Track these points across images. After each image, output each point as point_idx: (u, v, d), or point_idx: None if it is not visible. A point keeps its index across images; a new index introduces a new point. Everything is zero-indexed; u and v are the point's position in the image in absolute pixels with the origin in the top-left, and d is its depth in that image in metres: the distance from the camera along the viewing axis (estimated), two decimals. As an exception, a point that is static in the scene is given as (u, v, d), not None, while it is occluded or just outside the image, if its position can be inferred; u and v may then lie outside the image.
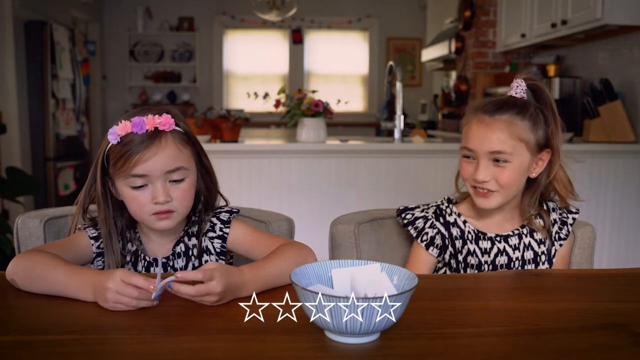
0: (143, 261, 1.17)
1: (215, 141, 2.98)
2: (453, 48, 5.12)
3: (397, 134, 3.20)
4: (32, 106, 4.66)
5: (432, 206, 1.33)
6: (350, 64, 7.31)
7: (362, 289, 0.85)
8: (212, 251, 1.19)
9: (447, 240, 1.27)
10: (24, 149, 4.58)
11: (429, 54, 5.90)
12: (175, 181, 1.08)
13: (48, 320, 0.87)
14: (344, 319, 0.74)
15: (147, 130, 1.04)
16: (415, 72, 7.38)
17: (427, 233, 1.28)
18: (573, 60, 4.05)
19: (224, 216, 1.20)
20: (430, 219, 1.29)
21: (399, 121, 3.19)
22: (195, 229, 1.20)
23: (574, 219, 1.31)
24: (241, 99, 7.07)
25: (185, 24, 7.00)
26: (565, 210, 1.31)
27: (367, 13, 7.19)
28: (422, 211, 1.31)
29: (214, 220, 1.20)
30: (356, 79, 7.36)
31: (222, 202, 1.25)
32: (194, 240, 1.19)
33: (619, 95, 3.30)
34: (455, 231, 1.28)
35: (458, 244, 1.27)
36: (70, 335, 0.80)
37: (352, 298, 0.73)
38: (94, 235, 1.15)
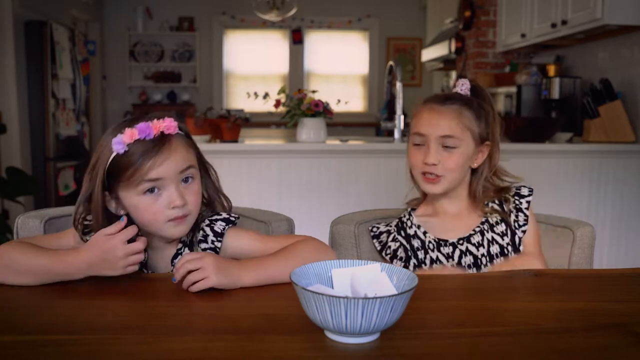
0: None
1: (215, 141, 2.98)
2: (453, 48, 5.12)
3: (397, 134, 3.20)
4: (32, 106, 4.66)
5: (395, 219, 1.39)
6: (350, 64, 7.30)
7: (362, 289, 0.85)
8: None
9: (409, 252, 1.32)
10: (24, 149, 4.58)
11: (429, 54, 5.90)
12: (185, 182, 1.07)
13: (48, 320, 0.87)
14: (344, 319, 0.74)
15: (154, 135, 1.02)
16: (415, 72, 7.37)
17: (389, 247, 1.34)
18: (573, 60, 4.05)
19: (219, 227, 1.13)
20: (393, 232, 1.36)
21: (399, 121, 3.19)
22: (190, 236, 1.14)
23: (528, 202, 1.34)
24: (241, 99, 7.06)
25: (185, 24, 7.00)
26: (516, 197, 1.34)
27: (367, 13, 7.19)
28: (387, 225, 1.38)
29: (207, 230, 1.13)
30: (356, 79, 7.36)
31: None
32: (186, 250, 1.13)
33: (619, 95, 3.30)
34: (416, 243, 1.33)
35: (420, 254, 1.32)
36: (70, 335, 0.80)
37: (352, 298, 0.73)
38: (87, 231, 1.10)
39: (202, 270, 0.96)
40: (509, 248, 1.30)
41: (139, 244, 1.01)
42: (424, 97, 1.35)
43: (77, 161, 5.25)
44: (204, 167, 1.16)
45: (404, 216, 1.38)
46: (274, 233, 1.36)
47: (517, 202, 1.34)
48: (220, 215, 1.15)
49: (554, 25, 3.62)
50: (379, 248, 1.36)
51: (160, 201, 1.04)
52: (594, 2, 3.15)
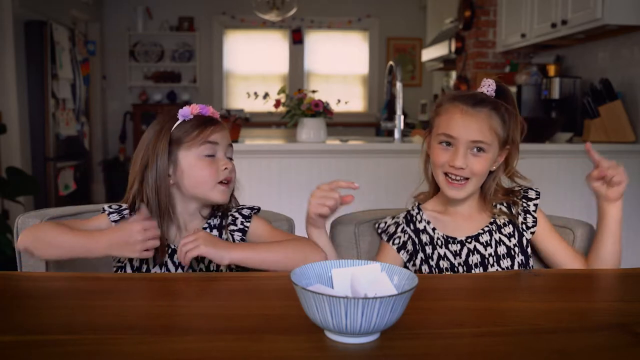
0: (168, 248, 1.23)
1: (215, 141, 2.97)
2: (453, 48, 5.12)
3: (397, 134, 3.20)
4: (32, 106, 4.66)
5: (403, 212, 1.38)
6: (350, 64, 7.30)
7: (362, 289, 0.85)
8: None
9: (417, 246, 1.32)
10: (24, 149, 4.58)
11: (429, 54, 5.90)
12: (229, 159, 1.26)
13: (48, 320, 0.87)
14: (344, 319, 0.74)
15: (208, 114, 1.25)
16: (415, 72, 7.37)
17: (399, 237, 1.33)
18: (573, 60, 4.05)
19: (246, 212, 1.30)
20: (402, 224, 1.35)
21: (399, 121, 3.19)
22: (217, 221, 1.28)
23: (535, 204, 1.34)
24: (241, 99, 7.06)
25: (185, 24, 7.00)
26: (524, 200, 1.34)
27: (367, 13, 7.19)
28: (394, 218, 1.37)
29: (236, 214, 1.30)
30: (356, 79, 7.36)
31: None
32: (215, 233, 1.26)
33: (619, 95, 3.30)
34: (425, 237, 1.32)
35: (428, 249, 1.31)
36: (70, 335, 0.80)
37: (352, 298, 0.73)
38: (116, 220, 1.21)
39: (194, 241, 1.10)
40: (516, 249, 1.30)
41: (156, 231, 1.14)
42: (449, 94, 1.32)
43: (77, 161, 5.25)
44: None
45: (413, 209, 1.37)
46: (274, 233, 1.38)
47: (524, 204, 1.34)
48: (245, 205, 1.33)
49: (554, 25, 3.62)
50: (385, 239, 1.34)
51: (216, 163, 1.22)
52: (594, 2, 3.15)
